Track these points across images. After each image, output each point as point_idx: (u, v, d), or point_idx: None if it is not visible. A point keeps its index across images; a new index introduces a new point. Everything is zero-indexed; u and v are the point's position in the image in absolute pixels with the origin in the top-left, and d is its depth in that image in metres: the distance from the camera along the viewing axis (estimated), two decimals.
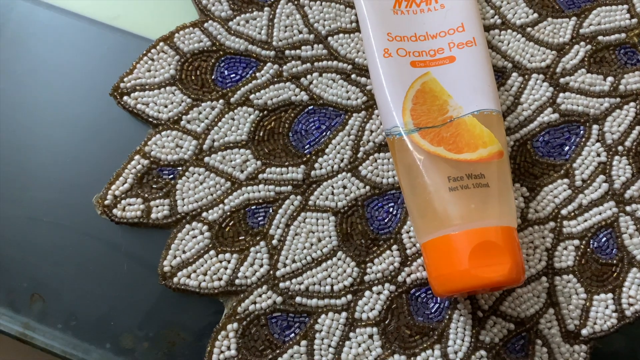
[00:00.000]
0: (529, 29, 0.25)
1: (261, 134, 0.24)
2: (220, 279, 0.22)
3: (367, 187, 0.24)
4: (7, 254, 0.23)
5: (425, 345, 0.22)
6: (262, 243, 0.23)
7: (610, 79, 0.25)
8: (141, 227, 0.23)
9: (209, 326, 0.22)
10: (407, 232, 0.23)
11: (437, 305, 0.22)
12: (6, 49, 0.25)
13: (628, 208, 0.23)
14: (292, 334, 0.22)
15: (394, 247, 0.23)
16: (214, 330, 0.22)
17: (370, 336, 0.22)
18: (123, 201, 0.23)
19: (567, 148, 0.24)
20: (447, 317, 0.22)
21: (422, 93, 0.22)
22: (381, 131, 0.24)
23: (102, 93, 0.24)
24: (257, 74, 0.24)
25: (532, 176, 0.24)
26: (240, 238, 0.23)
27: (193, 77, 0.24)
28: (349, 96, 0.24)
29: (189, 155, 0.24)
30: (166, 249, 0.23)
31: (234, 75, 0.25)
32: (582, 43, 0.25)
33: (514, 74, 0.25)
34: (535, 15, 0.26)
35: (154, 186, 0.23)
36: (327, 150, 0.24)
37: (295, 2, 0.25)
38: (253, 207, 0.23)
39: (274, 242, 0.23)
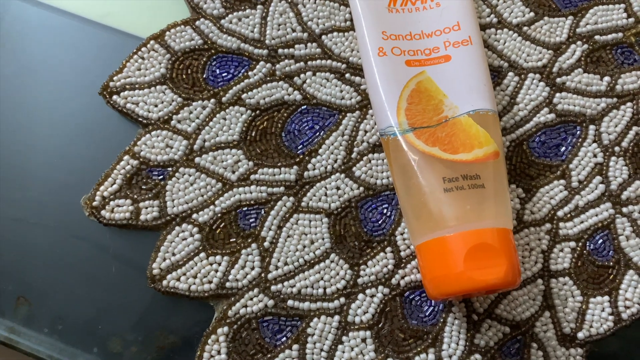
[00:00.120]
0: (525, 28, 0.25)
1: (253, 134, 0.24)
2: (210, 282, 0.22)
3: (361, 188, 0.23)
4: None
5: (419, 349, 0.22)
6: (254, 245, 0.22)
7: (607, 78, 0.25)
8: (130, 229, 0.23)
9: (199, 330, 0.22)
10: (402, 234, 0.23)
11: (431, 308, 0.22)
12: None
13: (625, 209, 0.23)
14: (284, 338, 0.22)
15: (388, 249, 0.23)
16: (204, 334, 0.22)
17: (364, 340, 0.22)
18: (112, 202, 0.23)
19: (563, 149, 0.24)
20: (442, 320, 0.22)
21: (417, 92, 0.22)
22: (375, 131, 0.24)
23: (92, 92, 0.24)
24: (250, 73, 0.24)
25: (528, 177, 0.24)
26: (231, 240, 0.22)
27: (184, 76, 0.24)
28: (343, 96, 0.24)
29: (179, 155, 0.23)
30: (155, 251, 0.22)
31: (225, 74, 0.24)
32: (579, 42, 0.25)
33: (510, 74, 0.25)
34: (532, 14, 0.25)
35: (144, 187, 0.23)
36: (320, 151, 0.23)
37: (289, 0, 0.25)
38: (245, 208, 0.23)
39: (266, 244, 0.22)
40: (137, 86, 0.24)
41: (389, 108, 0.22)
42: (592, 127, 0.24)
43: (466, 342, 0.22)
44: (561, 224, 0.23)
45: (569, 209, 0.23)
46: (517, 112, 0.24)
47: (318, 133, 0.24)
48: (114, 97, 0.24)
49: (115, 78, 0.24)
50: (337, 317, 0.22)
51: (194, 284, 0.22)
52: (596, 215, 0.23)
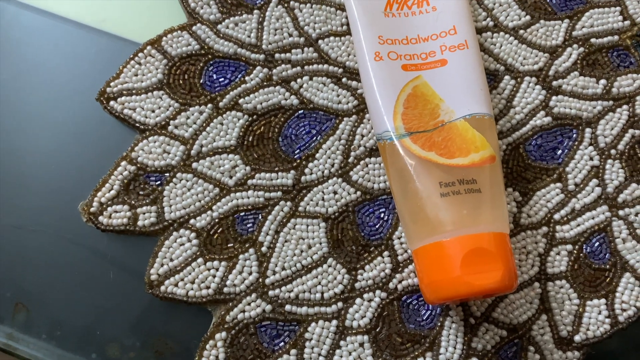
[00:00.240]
0: (521, 32, 0.25)
1: (250, 139, 0.24)
2: (208, 287, 0.22)
3: (358, 193, 0.23)
4: None
5: (416, 353, 0.22)
6: (251, 250, 0.22)
7: (603, 81, 0.25)
8: (128, 235, 0.23)
9: (197, 335, 0.22)
10: (399, 238, 0.23)
11: (428, 312, 0.22)
12: None
13: (621, 212, 0.23)
14: (282, 343, 0.22)
15: (385, 253, 0.23)
16: (202, 339, 0.22)
17: (361, 344, 0.22)
18: (109, 208, 0.23)
19: (559, 152, 0.24)
20: (439, 324, 0.22)
21: (414, 97, 0.22)
22: (372, 135, 0.24)
23: (89, 97, 0.24)
24: (247, 78, 0.24)
25: (524, 180, 0.24)
26: (228, 245, 0.23)
27: (181, 82, 0.24)
28: (340, 100, 0.24)
29: (177, 161, 0.23)
30: (153, 257, 0.22)
31: (222, 79, 0.24)
32: (575, 45, 0.25)
33: (506, 77, 0.25)
34: (528, 17, 0.25)
35: (141, 193, 0.23)
36: (317, 155, 0.24)
37: (285, 5, 0.25)
38: (242, 213, 0.23)
39: (264, 249, 0.22)
40: (134, 92, 0.24)
41: (386, 113, 0.22)
42: (588, 130, 0.24)
43: (463, 345, 0.22)
44: (558, 227, 0.23)
45: (566, 212, 0.23)
46: (513, 115, 0.24)
47: (315, 137, 0.24)
48: (111, 102, 0.24)
49: (112, 84, 0.24)
50: (334, 322, 0.22)
51: (192, 289, 0.22)
52: (593, 218, 0.23)
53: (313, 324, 0.22)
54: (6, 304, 0.22)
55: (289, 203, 0.23)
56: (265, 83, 0.24)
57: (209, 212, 0.23)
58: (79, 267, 0.23)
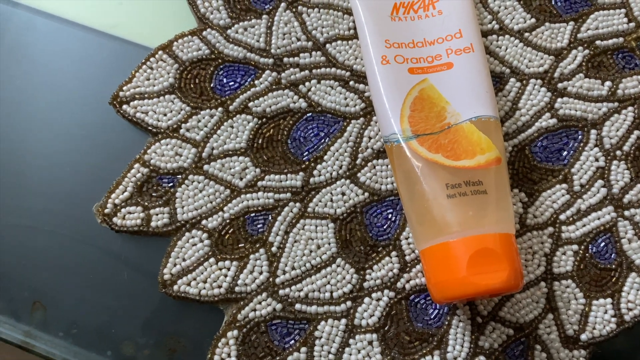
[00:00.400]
0: (526, 34, 0.25)
1: (260, 141, 0.24)
2: (220, 287, 0.22)
3: (366, 194, 0.24)
4: (8, 262, 0.23)
5: (424, 351, 0.22)
6: (262, 250, 0.23)
7: (608, 83, 0.25)
8: (141, 236, 0.23)
9: (209, 333, 0.22)
10: (406, 239, 0.23)
11: (436, 311, 0.23)
12: (5, 57, 0.26)
13: (627, 213, 0.24)
14: (292, 341, 0.22)
15: (393, 253, 0.23)
16: (214, 337, 0.22)
17: (370, 342, 0.22)
18: (123, 210, 0.23)
19: (565, 153, 0.24)
20: (447, 323, 0.22)
21: (420, 100, 0.23)
22: (379, 137, 0.24)
23: (101, 102, 0.24)
24: (256, 82, 0.25)
25: (530, 181, 0.24)
26: (239, 245, 0.23)
27: (192, 86, 0.25)
28: (347, 103, 0.25)
29: (188, 163, 0.24)
30: (166, 257, 0.23)
31: (232, 83, 0.25)
32: (580, 48, 0.25)
33: (512, 80, 0.25)
34: (533, 20, 0.26)
35: (154, 194, 0.23)
36: (325, 157, 0.24)
37: (294, 10, 0.25)
38: (252, 214, 0.23)
39: (274, 249, 0.23)
40: (146, 96, 0.24)
41: (393, 115, 0.22)
42: (593, 131, 0.24)
43: (471, 344, 0.22)
44: (564, 228, 0.23)
45: (571, 213, 0.24)
46: (519, 117, 0.25)
47: (323, 140, 0.24)
48: (124, 106, 0.24)
49: (124, 88, 0.24)
50: (344, 320, 0.22)
51: (204, 288, 0.22)
52: (598, 219, 0.23)
53: (323, 323, 0.22)
54: (24, 302, 0.23)
55: (298, 204, 0.23)
56: (274, 87, 0.25)
57: (220, 213, 0.23)
58: (94, 267, 0.23)
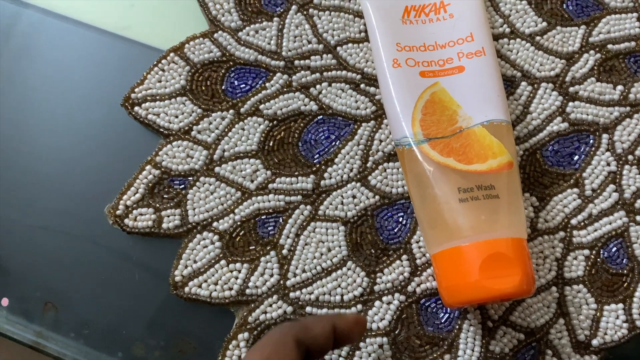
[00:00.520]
0: (538, 38, 0.25)
1: (271, 143, 0.24)
2: (231, 289, 0.23)
3: (377, 197, 0.24)
4: (20, 263, 0.23)
5: (435, 355, 0.22)
6: (273, 253, 0.23)
7: (620, 87, 0.25)
8: (152, 237, 0.23)
9: (219, 335, 0.22)
10: (417, 242, 0.23)
11: (447, 315, 0.22)
12: (19, 59, 0.26)
13: (638, 218, 0.23)
14: None
15: (404, 257, 0.23)
16: (225, 339, 0.22)
17: (381, 346, 0.22)
18: (135, 211, 0.23)
19: (576, 157, 0.24)
20: (457, 327, 0.22)
21: (432, 103, 0.22)
22: (390, 140, 0.24)
23: (114, 103, 0.24)
24: (267, 84, 0.25)
25: (541, 186, 0.24)
26: (250, 248, 0.23)
27: (203, 88, 0.25)
28: (358, 106, 0.25)
29: (200, 165, 0.24)
30: (177, 259, 0.23)
31: (243, 85, 0.25)
32: (592, 52, 0.25)
33: (523, 83, 0.25)
34: (545, 24, 0.26)
35: (165, 196, 0.23)
36: (336, 160, 0.24)
37: (305, 12, 0.25)
38: (263, 216, 0.23)
39: (284, 251, 0.23)
40: (158, 98, 0.24)
41: (404, 119, 0.22)
42: (605, 135, 0.24)
43: (481, 348, 0.22)
44: (575, 232, 0.23)
45: (583, 217, 0.23)
46: (530, 121, 0.25)
47: (334, 142, 0.24)
48: (136, 108, 0.24)
49: (136, 90, 0.24)
50: None
51: (215, 290, 0.23)
52: (610, 224, 0.23)
53: None
54: (36, 303, 0.23)
55: (308, 207, 0.23)
56: (285, 89, 0.25)
57: (231, 215, 0.23)
58: (106, 269, 0.23)
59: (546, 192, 0.24)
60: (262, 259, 0.23)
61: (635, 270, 0.23)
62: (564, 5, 0.26)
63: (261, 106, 0.24)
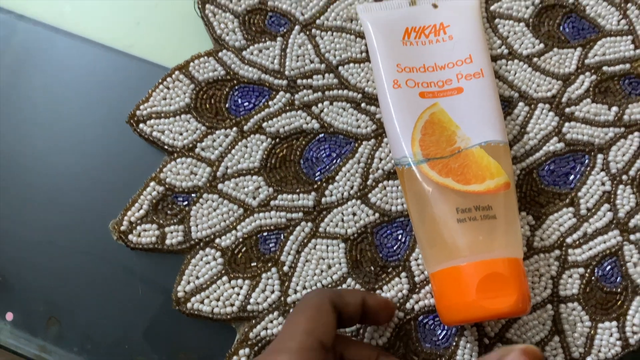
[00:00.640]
0: (535, 59, 0.26)
1: (273, 161, 0.25)
2: (232, 305, 0.23)
3: (377, 214, 0.24)
4: (24, 277, 0.24)
5: None
6: (274, 269, 0.23)
7: (614, 108, 0.25)
8: (156, 253, 0.24)
9: (221, 351, 0.23)
10: (416, 260, 0.24)
11: (444, 332, 0.23)
12: (25, 75, 0.26)
13: (632, 237, 0.24)
14: None
15: (403, 274, 0.23)
16: (227, 355, 0.22)
17: None
18: (138, 227, 0.24)
19: (572, 177, 0.25)
20: (454, 343, 0.23)
21: (431, 124, 0.23)
22: (390, 159, 0.25)
23: (119, 120, 0.25)
24: (270, 103, 0.25)
25: (538, 205, 0.24)
26: (252, 264, 0.23)
27: (207, 106, 0.25)
28: (359, 124, 0.25)
29: (203, 182, 0.24)
30: (180, 275, 0.23)
31: (247, 103, 0.25)
32: (587, 73, 0.26)
33: (521, 104, 0.25)
34: (542, 45, 0.26)
35: (169, 212, 0.24)
36: (337, 178, 0.24)
37: (307, 33, 0.26)
38: (265, 233, 0.24)
39: (285, 268, 0.23)
40: (162, 115, 0.25)
41: (404, 139, 0.23)
42: (600, 156, 0.25)
43: None
44: (570, 251, 0.24)
45: (578, 236, 0.24)
46: (527, 141, 0.25)
47: (335, 160, 0.25)
48: (141, 125, 0.25)
49: (141, 107, 0.25)
50: None
51: (217, 306, 0.23)
52: (604, 242, 0.24)
53: None
54: (39, 317, 0.23)
55: (309, 224, 0.24)
56: (287, 107, 0.25)
57: (233, 232, 0.24)
58: (109, 284, 0.24)
59: (542, 211, 0.24)
60: (264, 275, 0.23)
61: (628, 289, 0.23)
62: (561, 28, 0.26)
63: (264, 124, 0.25)
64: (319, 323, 0.18)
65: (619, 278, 0.24)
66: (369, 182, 0.24)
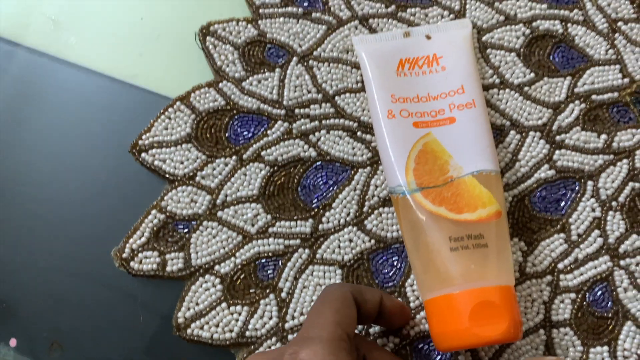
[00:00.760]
0: (526, 88, 0.27)
1: (271, 188, 0.25)
2: (231, 331, 0.23)
3: (373, 241, 0.25)
4: (27, 303, 0.24)
5: None
6: (272, 296, 0.24)
7: (604, 136, 0.26)
8: (157, 279, 0.24)
9: None
10: (411, 286, 0.24)
11: (439, 356, 0.23)
12: (30, 105, 0.27)
13: (622, 262, 0.24)
14: None
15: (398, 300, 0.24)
16: None
17: None
18: (140, 254, 0.24)
19: (563, 203, 0.25)
20: None
21: (424, 153, 0.24)
22: (385, 186, 0.25)
23: (121, 149, 0.26)
24: (269, 132, 0.26)
25: (529, 231, 0.25)
26: (250, 291, 0.24)
27: (208, 135, 0.26)
28: (355, 152, 0.26)
29: (203, 210, 0.25)
30: (180, 301, 0.24)
31: (246, 132, 0.26)
32: (577, 102, 0.27)
33: (512, 132, 0.26)
34: (532, 74, 0.27)
35: (170, 240, 0.24)
36: (334, 205, 0.25)
37: (305, 64, 0.27)
38: (263, 260, 0.24)
39: (283, 294, 0.24)
40: (164, 144, 0.26)
41: (398, 168, 0.23)
42: (590, 182, 0.26)
43: None
44: (562, 276, 0.24)
45: (569, 262, 0.24)
46: (519, 168, 0.26)
47: (332, 188, 0.25)
48: (143, 154, 0.25)
49: (144, 137, 0.26)
50: None
51: (216, 332, 0.23)
52: (595, 268, 0.24)
53: None
54: (42, 342, 0.24)
55: (307, 250, 0.24)
56: (285, 136, 0.26)
57: (232, 259, 0.24)
58: (111, 309, 0.24)
59: (534, 237, 0.25)
60: (262, 301, 0.24)
61: (619, 314, 0.24)
62: (551, 57, 0.27)
63: (263, 152, 0.26)
64: (344, 315, 0.19)
65: (609, 303, 0.24)
66: (365, 209, 0.25)
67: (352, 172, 0.26)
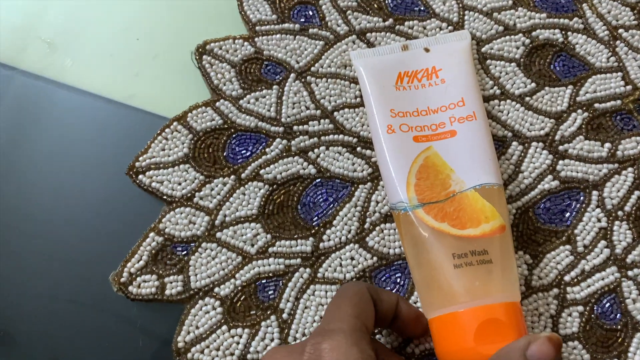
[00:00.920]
0: (527, 99, 0.26)
1: (271, 207, 0.25)
2: (232, 354, 0.23)
3: (375, 258, 0.24)
4: (26, 330, 0.24)
5: None
6: (273, 317, 0.23)
7: (607, 145, 0.26)
8: (156, 303, 0.24)
9: None
10: (415, 303, 0.24)
11: None
12: (26, 128, 0.27)
13: (630, 273, 0.24)
14: None
15: None
16: None
17: None
18: (138, 278, 0.24)
19: (568, 214, 0.25)
20: None
21: (425, 168, 0.23)
22: (386, 202, 0.25)
23: (118, 171, 0.25)
24: (267, 150, 0.26)
25: (534, 243, 0.25)
26: (251, 312, 0.24)
27: (205, 155, 0.26)
28: (355, 168, 0.25)
29: (202, 231, 0.25)
30: (180, 325, 0.23)
31: (244, 151, 0.26)
32: (579, 111, 0.26)
33: (514, 143, 0.26)
34: (533, 85, 0.27)
35: (168, 262, 0.24)
36: (334, 222, 0.25)
37: (302, 80, 0.26)
38: (263, 280, 0.24)
39: (284, 315, 0.23)
40: (161, 166, 0.25)
41: (399, 184, 0.23)
42: (595, 192, 0.25)
43: None
44: (569, 289, 0.24)
45: (576, 274, 0.24)
46: (522, 180, 0.25)
47: (332, 205, 0.25)
48: (140, 176, 0.25)
49: (140, 158, 0.25)
50: None
51: (217, 356, 0.23)
52: (602, 279, 0.24)
53: None
54: None
55: (308, 269, 0.24)
56: (284, 154, 0.26)
57: (232, 280, 0.24)
58: (110, 335, 0.24)
59: (539, 249, 0.24)
60: (263, 323, 0.23)
61: (628, 325, 0.23)
62: (552, 67, 0.27)
63: (261, 171, 0.25)
64: (363, 310, 0.19)
65: (618, 315, 0.24)
66: (366, 226, 0.25)
67: (353, 189, 0.25)
